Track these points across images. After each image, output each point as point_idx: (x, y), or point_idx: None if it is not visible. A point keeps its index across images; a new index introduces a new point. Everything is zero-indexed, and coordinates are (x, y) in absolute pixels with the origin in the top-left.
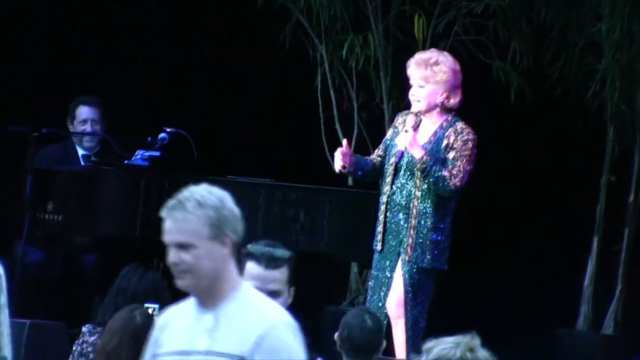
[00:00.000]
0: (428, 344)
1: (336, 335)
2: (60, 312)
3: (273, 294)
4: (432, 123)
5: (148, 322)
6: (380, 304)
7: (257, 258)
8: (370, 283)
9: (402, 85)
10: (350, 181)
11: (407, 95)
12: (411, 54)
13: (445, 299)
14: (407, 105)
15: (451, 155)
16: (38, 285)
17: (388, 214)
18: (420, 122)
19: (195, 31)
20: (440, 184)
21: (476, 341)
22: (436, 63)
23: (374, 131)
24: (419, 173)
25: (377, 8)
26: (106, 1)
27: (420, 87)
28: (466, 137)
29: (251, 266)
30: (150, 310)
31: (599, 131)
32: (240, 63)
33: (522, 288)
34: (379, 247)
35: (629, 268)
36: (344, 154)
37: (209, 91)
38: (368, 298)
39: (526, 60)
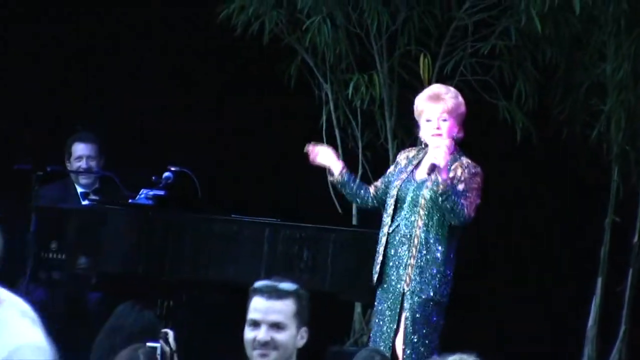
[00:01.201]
0: None
1: None
2: (64, 350)
3: (275, 327)
4: None
5: None
6: (382, 343)
7: (261, 290)
8: (374, 319)
9: (407, 125)
10: (354, 220)
11: (413, 134)
12: (416, 94)
13: (448, 336)
14: (413, 145)
15: (460, 187)
16: (42, 324)
17: (390, 248)
18: (423, 156)
19: (199, 70)
20: (458, 211)
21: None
22: (453, 96)
23: (378, 171)
24: (424, 203)
25: (382, 47)
26: (110, 37)
27: (444, 120)
28: (474, 171)
29: (255, 299)
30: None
31: (604, 172)
32: (245, 101)
33: (525, 328)
34: (375, 279)
35: (633, 309)
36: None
37: (213, 130)
38: (372, 334)
39: (531, 100)
